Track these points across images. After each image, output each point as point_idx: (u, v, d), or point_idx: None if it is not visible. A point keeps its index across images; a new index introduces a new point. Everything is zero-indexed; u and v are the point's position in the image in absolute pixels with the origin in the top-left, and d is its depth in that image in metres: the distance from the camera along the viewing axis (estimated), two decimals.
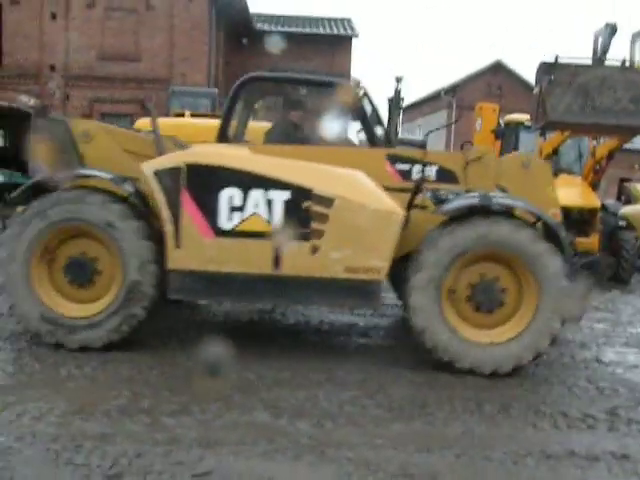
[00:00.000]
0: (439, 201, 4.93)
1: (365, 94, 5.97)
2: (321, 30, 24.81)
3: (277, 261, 4.62)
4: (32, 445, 3.18)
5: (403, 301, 4.98)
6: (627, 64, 8.52)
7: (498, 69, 35.37)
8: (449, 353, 4.56)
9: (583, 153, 10.86)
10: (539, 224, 4.88)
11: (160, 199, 4.64)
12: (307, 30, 24.53)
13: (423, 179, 5.08)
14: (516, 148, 10.70)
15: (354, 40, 24.83)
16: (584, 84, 8.35)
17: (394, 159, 5.22)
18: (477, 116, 11.93)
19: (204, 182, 4.63)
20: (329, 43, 24.39)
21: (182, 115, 10.15)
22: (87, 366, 4.39)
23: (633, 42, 8.60)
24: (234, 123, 5.94)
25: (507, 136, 11.30)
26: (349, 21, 26.14)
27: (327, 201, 4.56)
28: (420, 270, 4.54)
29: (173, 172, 4.63)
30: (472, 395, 4.24)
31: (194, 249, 4.65)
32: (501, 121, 11.89)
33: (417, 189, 5.02)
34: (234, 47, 21.21)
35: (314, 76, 6.15)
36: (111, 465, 3.01)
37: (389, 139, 5.92)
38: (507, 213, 4.71)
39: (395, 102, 11.83)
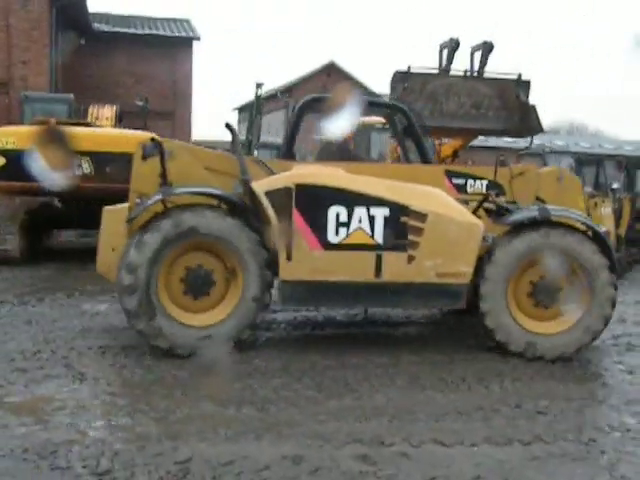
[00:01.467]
0: (495, 213, 5.72)
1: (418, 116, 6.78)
2: (161, 31, 24.55)
3: (379, 270, 5.19)
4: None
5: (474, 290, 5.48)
6: (469, 74, 9.65)
7: (332, 70, 36.82)
8: (514, 343, 5.31)
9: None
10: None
11: (272, 216, 5.06)
12: (147, 31, 24.17)
13: (489, 193, 5.81)
14: (368, 149, 11.62)
15: (196, 43, 24.79)
16: (433, 91, 9.35)
17: (451, 174, 6.07)
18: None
19: (313, 201, 5.15)
20: (170, 45, 24.20)
21: (45, 123, 9.83)
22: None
23: (472, 54, 9.73)
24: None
25: (360, 138, 12.20)
26: (188, 22, 26.04)
27: (422, 216, 5.19)
28: (493, 267, 5.26)
29: (284, 192, 5.11)
30: (383, 372, 4.87)
31: (304, 261, 5.14)
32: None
33: (483, 201, 5.76)
34: (73, 48, 20.48)
35: (371, 98, 7.05)
36: (96, 464, 3.25)
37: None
38: (565, 224, 5.44)
39: (256, 107, 12.34)
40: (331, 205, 5.15)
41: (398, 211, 5.19)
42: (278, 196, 5.10)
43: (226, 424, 3.81)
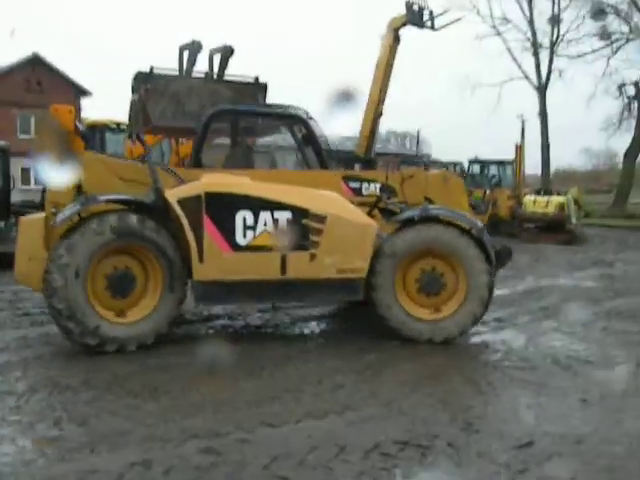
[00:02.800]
0: (386, 213, 6.34)
1: (313, 122, 7.01)
2: None
3: (284, 268, 5.59)
4: None
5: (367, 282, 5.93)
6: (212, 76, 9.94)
7: (36, 63, 34.07)
8: (396, 323, 5.87)
9: (165, 152, 12.08)
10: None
11: (184, 222, 5.48)
12: None
13: (380, 195, 6.38)
14: (103, 149, 11.28)
15: None
16: (175, 92, 9.49)
17: (348, 179, 6.52)
18: (54, 118, 12.01)
19: (221, 207, 5.57)
20: None
21: None
22: None
23: (211, 57, 10.04)
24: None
25: (92, 138, 11.78)
26: None
27: (321, 218, 5.68)
28: (381, 260, 5.83)
29: (195, 200, 5.52)
30: (188, 372, 5.14)
31: (215, 263, 5.54)
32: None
33: (377, 203, 6.34)
34: None
35: (269, 108, 7.31)
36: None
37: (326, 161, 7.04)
38: (445, 221, 6.01)
39: None
40: (238, 210, 5.58)
41: (299, 214, 5.66)
42: (189, 203, 5.51)
43: (51, 444, 3.68)
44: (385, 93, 13.55)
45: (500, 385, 4.97)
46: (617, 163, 39.34)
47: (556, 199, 18.66)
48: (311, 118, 7.16)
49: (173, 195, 5.57)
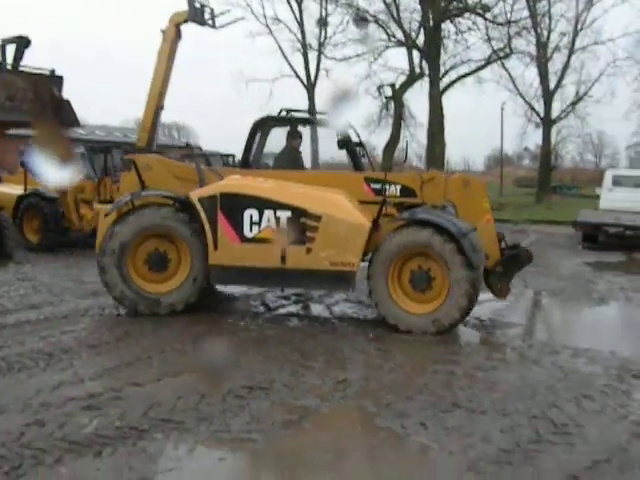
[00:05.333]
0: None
1: (353, 130, 7.83)
2: None
3: (283, 258, 6.52)
4: None
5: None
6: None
7: None
8: (390, 317, 6.47)
9: None
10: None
11: (203, 217, 6.67)
12: None
13: (384, 198, 6.87)
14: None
15: None
16: None
17: (369, 180, 7.04)
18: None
19: (232, 205, 6.66)
20: None
21: None
22: None
23: (3, 47, 10.00)
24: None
25: None
26: None
27: (317, 217, 6.50)
28: (377, 256, 6.53)
29: (211, 199, 6.68)
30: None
31: (226, 251, 6.66)
32: None
33: (382, 203, 6.85)
34: None
35: (310, 116, 8.19)
36: None
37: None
38: (430, 223, 6.45)
39: None
40: (246, 208, 6.60)
41: (298, 213, 6.55)
42: (207, 202, 6.56)
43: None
44: (166, 86, 13.90)
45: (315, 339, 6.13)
46: (377, 155, 43.46)
47: None
48: (351, 127, 7.88)
49: (195, 194, 6.76)
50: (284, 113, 8.41)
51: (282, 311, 7.63)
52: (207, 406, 4.39)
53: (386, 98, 32.65)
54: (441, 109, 29.98)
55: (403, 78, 31.45)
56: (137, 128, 14.22)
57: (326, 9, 33.29)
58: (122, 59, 73.83)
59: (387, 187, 7.03)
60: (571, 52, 34.08)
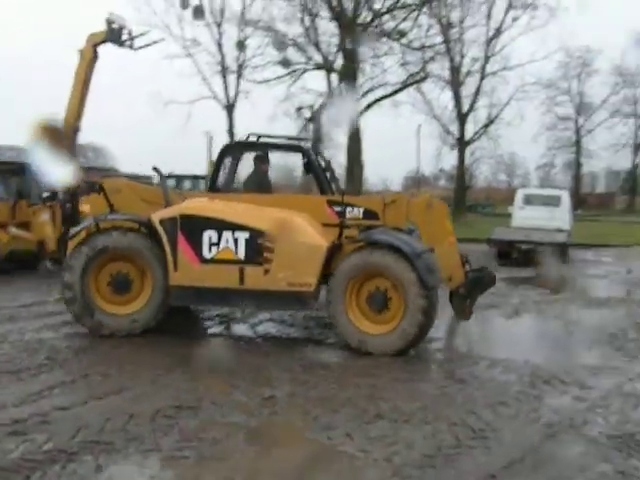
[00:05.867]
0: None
1: (319, 154, 7.84)
2: None
3: (242, 279, 6.56)
4: None
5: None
6: None
7: None
8: (350, 339, 6.46)
9: None
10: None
11: (163, 238, 6.70)
12: None
13: (343, 220, 6.95)
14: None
15: None
16: None
17: (332, 203, 7.03)
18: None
19: (191, 227, 6.69)
20: None
21: None
22: None
23: None
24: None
25: None
26: None
27: (273, 238, 6.52)
28: (334, 278, 6.54)
29: (172, 220, 6.73)
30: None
31: (186, 271, 6.67)
32: None
33: (342, 226, 6.90)
34: None
35: (280, 140, 8.10)
36: None
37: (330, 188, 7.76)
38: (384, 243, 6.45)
39: None
40: (205, 230, 6.64)
41: (255, 234, 6.59)
42: (168, 223, 6.75)
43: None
44: (83, 108, 13.70)
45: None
46: (296, 178, 44.00)
47: None
48: (317, 150, 7.99)
49: (156, 216, 6.83)
50: (252, 138, 8.40)
51: (209, 331, 7.66)
52: (136, 426, 4.40)
53: (305, 120, 33.09)
54: (358, 131, 30.65)
55: (321, 100, 31.99)
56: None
57: (245, 32, 33.54)
58: (28, 77, 71.54)
59: (349, 209, 7.13)
60: (482, 77, 35.56)
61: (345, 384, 5.55)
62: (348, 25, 29.78)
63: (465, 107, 35.99)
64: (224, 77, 34.60)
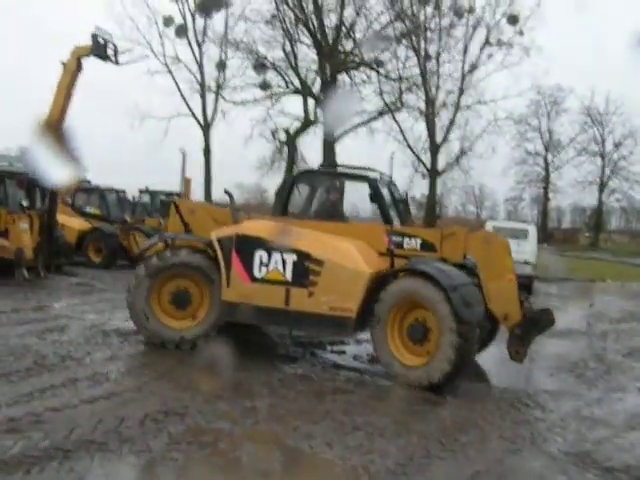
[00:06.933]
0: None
1: (388, 183, 7.84)
2: None
3: (287, 300, 6.82)
4: None
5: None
6: None
7: None
8: (388, 367, 6.53)
9: None
10: None
11: (219, 255, 7.10)
12: None
13: (392, 251, 7.08)
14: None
15: None
16: None
17: (391, 233, 7.05)
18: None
19: (245, 246, 7.00)
20: None
21: None
22: None
23: None
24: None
25: None
26: None
27: (320, 262, 6.76)
28: (378, 304, 6.58)
29: (228, 239, 7.09)
30: None
31: (237, 289, 7.00)
32: None
33: (392, 255, 7.03)
34: None
35: (347, 170, 8.03)
36: None
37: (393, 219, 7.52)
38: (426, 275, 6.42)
39: None
40: (257, 250, 6.95)
41: (303, 257, 6.82)
42: (225, 242, 7.10)
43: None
44: (64, 117, 13.84)
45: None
46: (267, 198, 44.17)
47: None
48: (385, 180, 7.95)
49: (215, 234, 7.22)
50: (324, 168, 8.76)
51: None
52: (127, 429, 4.66)
53: (280, 143, 33.52)
54: (334, 155, 31.14)
55: (298, 124, 32.49)
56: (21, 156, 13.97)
57: (226, 53, 33.97)
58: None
59: (407, 240, 7.11)
60: (456, 109, 36.36)
61: (322, 398, 5.86)
62: (328, 52, 30.43)
63: (439, 138, 36.81)
64: (203, 96, 34.94)
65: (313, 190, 8.12)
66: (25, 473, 3.85)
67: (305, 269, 6.82)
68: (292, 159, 32.50)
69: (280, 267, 6.91)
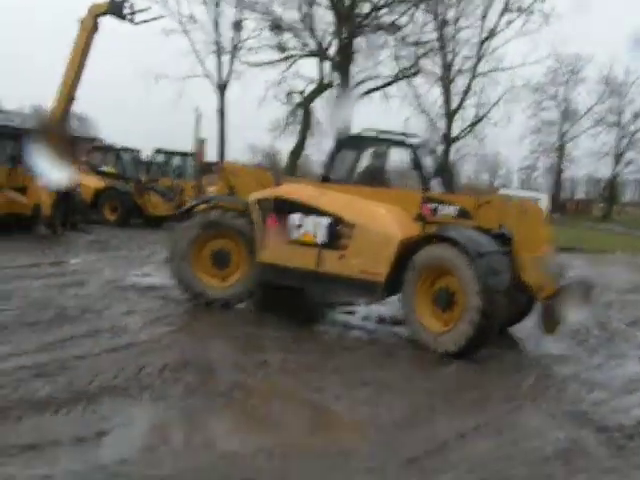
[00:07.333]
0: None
1: (430, 150, 7.96)
2: None
3: (319, 262, 6.89)
4: None
5: None
6: None
7: None
8: (416, 334, 6.55)
9: None
10: None
11: (255, 217, 7.28)
12: None
13: (425, 217, 7.00)
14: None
15: None
16: None
17: (426, 200, 6.97)
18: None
19: (281, 209, 7.17)
20: None
21: None
22: None
23: None
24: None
25: None
26: None
27: (351, 225, 6.81)
28: (407, 271, 6.58)
29: (267, 201, 7.26)
30: None
31: (272, 250, 7.15)
32: None
33: (425, 223, 6.97)
34: None
35: (390, 135, 7.81)
36: None
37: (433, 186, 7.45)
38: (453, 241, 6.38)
39: None
40: (291, 213, 7.10)
41: (335, 220, 6.92)
42: (263, 204, 7.27)
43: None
44: (79, 78, 13.81)
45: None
46: (280, 160, 44.15)
47: None
48: (430, 147, 8.14)
49: (253, 196, 7.38)
50: (367, 133, 8.21)
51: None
52: (146, 377, 4.92)
53: (295, 105, 33.44)
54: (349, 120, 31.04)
55: (312, 86, 32.37)
56: (35, 114, 14.01)
57: (242, 13, 33.71)
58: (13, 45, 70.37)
59: (442, 207, 7.00)
60: (473, 76, 36.14)
61: (332, 354, 6.11)
62: (345, 14, 30.17)
63: (454, 104, 36.59)
64: (219, 56, 34.81)
65: (358, 155, 7.97)
66: (53, 413, 4.12)
67: (337, 232, 6.92)
68: (307, 122, 32.48)
69: (313, 230, 7.02)
